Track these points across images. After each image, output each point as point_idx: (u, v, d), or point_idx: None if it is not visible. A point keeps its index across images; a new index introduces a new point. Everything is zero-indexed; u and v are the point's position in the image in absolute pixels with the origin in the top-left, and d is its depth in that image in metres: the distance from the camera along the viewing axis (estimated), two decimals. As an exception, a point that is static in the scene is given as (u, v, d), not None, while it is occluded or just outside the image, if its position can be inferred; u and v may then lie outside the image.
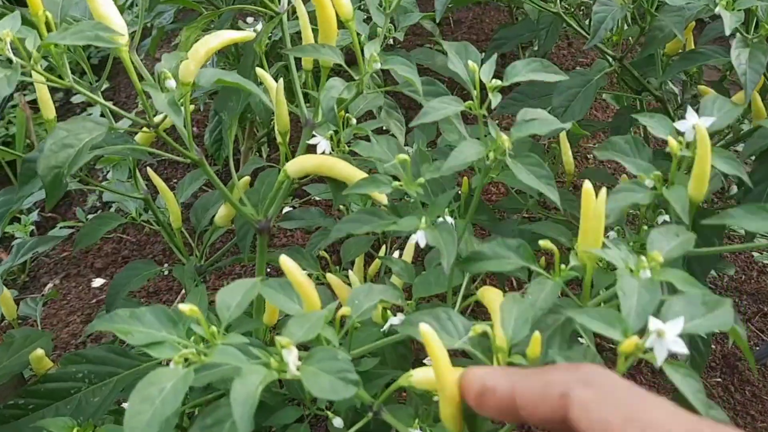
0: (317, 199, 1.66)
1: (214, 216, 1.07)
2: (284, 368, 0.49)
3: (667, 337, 0.46)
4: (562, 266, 0.60)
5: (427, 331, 0.47)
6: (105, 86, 2.00)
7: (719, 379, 1.49)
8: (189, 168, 1.74)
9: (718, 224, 0.63)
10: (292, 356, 0.49)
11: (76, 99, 2.32)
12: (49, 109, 0.86)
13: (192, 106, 1.81)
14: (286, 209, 1.25)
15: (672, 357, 0.47)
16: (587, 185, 0.57)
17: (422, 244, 0.66)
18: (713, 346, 1.53)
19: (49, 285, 1.71)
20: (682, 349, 0.45)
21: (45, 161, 0.66)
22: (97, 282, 1.70)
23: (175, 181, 1.90)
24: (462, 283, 0.83)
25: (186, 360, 0.48)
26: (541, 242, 0.59)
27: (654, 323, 0.46)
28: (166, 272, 1.65)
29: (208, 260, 1.14)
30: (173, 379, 0.46)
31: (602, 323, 0.49)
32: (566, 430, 0.41)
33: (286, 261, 0.55)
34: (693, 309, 0.49)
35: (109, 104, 0.76)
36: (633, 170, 0.68)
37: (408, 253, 1.00)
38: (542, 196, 1.16)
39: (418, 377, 0.58)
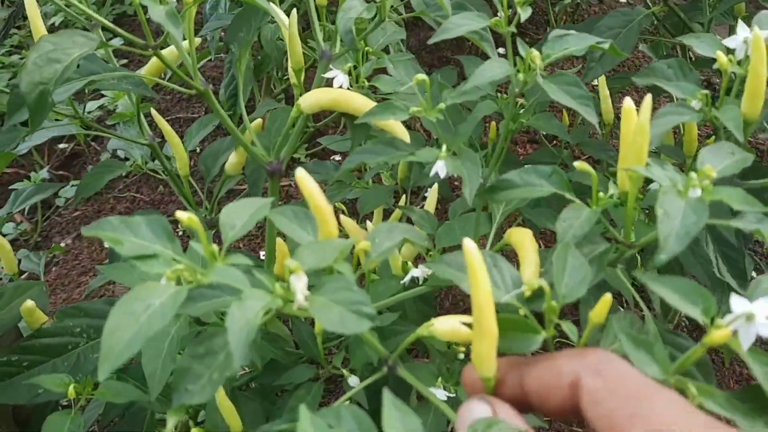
0: (337, 159, 1.61)
1: (224, 165, 1.02)
2: (290, 297, 0.43)
3: (757, 320, 0.38)
4: (601, 194, 0.54)
5: (469, 247, 0.40)
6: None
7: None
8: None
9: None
10: (301, 283, 0.42)
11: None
12: (40, 30, 0.80)
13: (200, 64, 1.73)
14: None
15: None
16: (627, 102, 0.51)
17: (442, 175, 0.60)
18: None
19: (62, 244, 1.67)
20: None
21: (28, 77, 0.59)
22: (110, 242, 1.65)
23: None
24: (489, 231, 0.78)
25: (180, 280, 0.43)
26: (577, 163, 0.52)
27: (740, 304, 0.39)
28: (173, 226, 1.61)
29: (219, 213, 1.08)
30: (163, 295, 0.40)
31: (680, 296, 0.42)
32: (580, 418, 0.38)
33: (303, 177, 0.48)
34: None
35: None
36: (678, 94, 0.62)
37: (430, 203, 0.94)
38: (578, 147, 1.11)
39: (441, 327, 0.52)
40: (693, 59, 1.16)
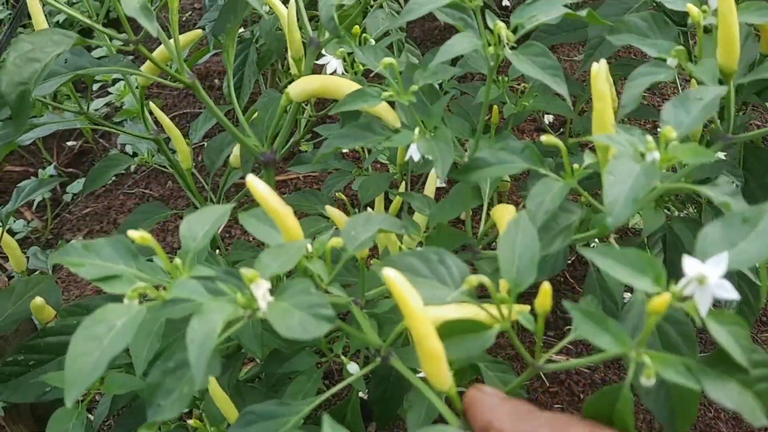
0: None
1: (228, 157, 1.02)
2: (254, 305, 0.42)
3: (711, 282, 0.36)
4: (575, 166, 0.53)
5: (391, 277, 0.39)
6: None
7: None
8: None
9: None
10: (261, 291, 0.42)
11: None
12: (42, 27, 0.81)
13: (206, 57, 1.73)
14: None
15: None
16: (594, 67, 0.50)
17: (416, 158, 0.59)
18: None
19: (73, 242, 1.69)
20: (731, 293, 0.36)
21: (8, 77, 0.60)
22: (121, 238, 1.67)
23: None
24: (483, 204, 0.76)
25: (143, 297, 0.43)
26: (543, 137, 0.51)
27: (692, 266, 0.37)
28: (174, 216, 1.62)
29: (224, 206, 1.09)
30: (125, 316, 0.41)
31: (629, 268, 0.39)
32: None
33: (253, 182, 0.48)
34: (733, 233, 0.39)
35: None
36: (653, 53, 0.59)
37: (429, 188, 0.93)
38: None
39: (430, 315, 0.51)
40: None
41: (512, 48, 0.58)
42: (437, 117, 0.61)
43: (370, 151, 1.03)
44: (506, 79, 0.88)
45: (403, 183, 0.99)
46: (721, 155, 0.89)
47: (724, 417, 1.24)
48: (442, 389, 0.42)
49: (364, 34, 0.80)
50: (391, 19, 0.79)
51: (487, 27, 0.60)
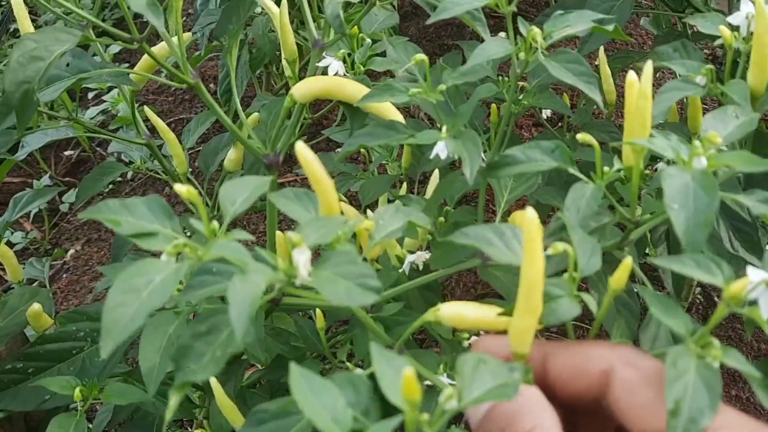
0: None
1: (223, 161, 1.01)
2: (293, 273, 0.41)
3: None
4: (606, 169, 0.53)
5: (531, 217, 0.38)
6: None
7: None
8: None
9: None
10: (303, 257, 0.41)
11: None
12: (28, 30, 0.80)
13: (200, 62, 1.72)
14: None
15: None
16: (631, 75, 0.50)
17: (443, 156, 0.59)
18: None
19: (71, 251, 1.67)
20: None
21: (12, 76, 0.59)
22: (120, 247, 1.66)
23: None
24: (496, 217, 0.77)
25: (179, 255, 0.42)
26: (580, 135, 0.52)
27: (756, 272, 0.38)
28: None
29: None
30: (164, 271, 0.39)
31: (700, 270, 0.40)
32: (595, 409, 0.39)
33: (302, 149, 0.47)
34: None
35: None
36: (682, 71, 0.61)
37: (431, 191, 0.93)
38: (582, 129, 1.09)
39: (447, 312, 0.50)
40: (692, 31, 1.14)
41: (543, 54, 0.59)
42: (463, 118, 0.61)
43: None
44: (506, 80, 0.90)
45: (405, 184, 0.99)
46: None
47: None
48: (524, 351, 0.40)
49: (361, 34, 0.79)
50: (385, 14, 0.79)
51: (518, 33, 0.61)
